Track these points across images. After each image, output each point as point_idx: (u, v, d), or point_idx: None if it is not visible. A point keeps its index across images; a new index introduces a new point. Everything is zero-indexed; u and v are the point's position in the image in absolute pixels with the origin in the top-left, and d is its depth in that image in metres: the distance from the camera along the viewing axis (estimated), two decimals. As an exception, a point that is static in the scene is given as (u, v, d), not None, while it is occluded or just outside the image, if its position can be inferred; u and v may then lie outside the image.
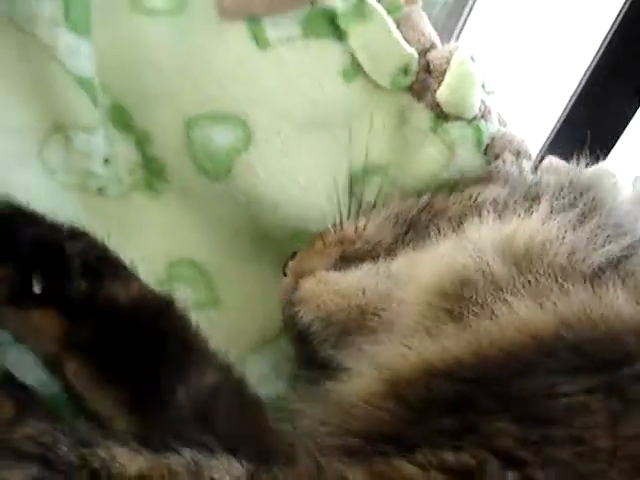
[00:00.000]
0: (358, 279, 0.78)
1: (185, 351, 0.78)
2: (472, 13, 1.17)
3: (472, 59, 0.93)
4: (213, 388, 0.77)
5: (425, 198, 0.87)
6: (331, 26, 0.95)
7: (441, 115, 0.96)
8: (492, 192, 0.83)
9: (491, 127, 0.95)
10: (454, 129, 0.94)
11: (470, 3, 1.16)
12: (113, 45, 0.90)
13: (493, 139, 0.95)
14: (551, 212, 0.74)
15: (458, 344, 0.64)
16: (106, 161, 0.93)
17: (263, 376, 0.94)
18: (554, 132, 1.09)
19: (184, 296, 0.93)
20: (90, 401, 0.76)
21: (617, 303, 0.61)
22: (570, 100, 1.12)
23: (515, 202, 0.79)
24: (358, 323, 0.77)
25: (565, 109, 1.12)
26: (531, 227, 0.71)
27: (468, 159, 0.95)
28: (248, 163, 0.93)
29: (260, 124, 0.93)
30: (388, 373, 0.65)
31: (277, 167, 0.94)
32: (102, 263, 0.78)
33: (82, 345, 0.75)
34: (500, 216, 0.75)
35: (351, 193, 0.95)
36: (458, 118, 0.95)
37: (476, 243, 0.71)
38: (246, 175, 0.94)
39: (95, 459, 0.60)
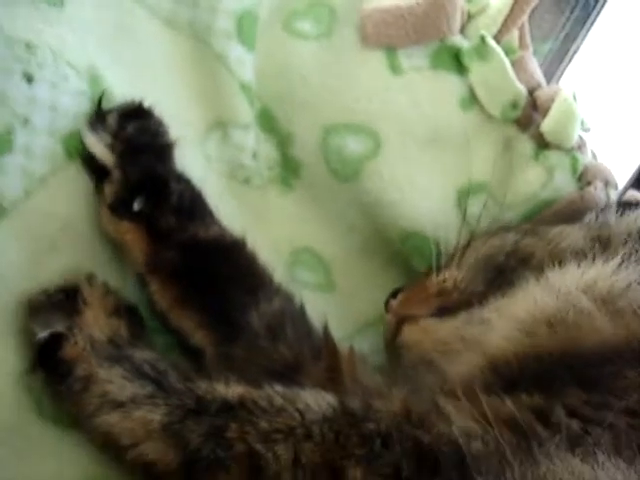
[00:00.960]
0: (456, 328, 0.84)
1: (255, 281, 0.88)
2: (573, 60, 1.31)
3: (574, 97, 1.05)
4: (280, 312, 0.87)
5: (511, 240, 0.93)
6: (455, 61, 1.10)
7: (542, 145, 1.09)
8: (571, 237, 0.89)
9: (585, 158, 1.08)
10: (554, 156, 1.08)
11: (572, 52, 1.31)
12: (267, 58, 1.06)
13: (586, 168, 1.08)
14: (624, 260, 0.77)
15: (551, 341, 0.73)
16: (254, 156, 1.09)
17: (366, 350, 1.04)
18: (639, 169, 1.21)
19: (307, 278, 1.10)
20: (172, 319, 0.86)
21: None
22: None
23: (592, 249, 0.82)
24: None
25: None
26: (610, 273, 0.75)
27: (564, 183, 1.08)
28: (375, 169, 1.07)
29: (389, 137, 1.07)
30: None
31: (399, 173, 1.07)
32: (194, 205, 0.87)
33: (165, 269, 0.84)
34: (579, 264, 0.79)
35: (460, 205, 1.09)
36: (558, 148, 1.08)
37: (561, 287, 0.75)
38: (372, 179, 1.08)
39: (199, 389, 0.71)
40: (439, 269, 0.94)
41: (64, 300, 0.80)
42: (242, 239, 0.90)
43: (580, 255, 0.80)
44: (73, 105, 0.85)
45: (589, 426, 0.60)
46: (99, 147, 0.84)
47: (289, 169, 1.12)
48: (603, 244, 0.83)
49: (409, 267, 1.12)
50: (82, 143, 0.84)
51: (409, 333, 0.90)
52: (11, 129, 0.79)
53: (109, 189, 0.83)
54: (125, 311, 0.84)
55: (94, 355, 0.74)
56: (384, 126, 1.07)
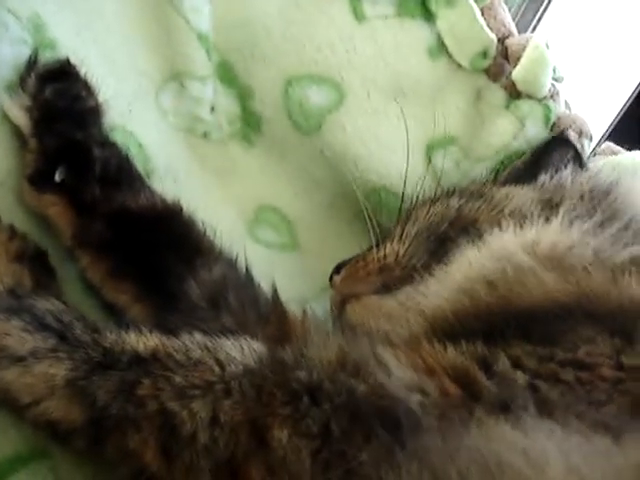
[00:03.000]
0: (399, 303, 0.80)
1: (192, 249, 0.81)
2: (547, 10, 1.26)
3: (547, 45, 1.02)
4: (222, 280, 0.81)
5: (454, 206, 0.89)
6: (422, 8, 1.06)
7: (514, 94, 1.06)
8: (518, 199, 0.86)
9: (558, 107, 1.05)
10: (525, 106, 1.04)
11: (546, 1, 1.26)
12: (227, 8, 1.02)
13: (559, 118, 1.05)
14: (570, 221, 0.75)
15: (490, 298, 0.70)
16: (212, 109, 1.05)
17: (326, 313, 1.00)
18: (615, 121, 1.17)
19: (270, 238, 1.07)
20: (106, 294, 0.80)
21: (632, 288, 0.65)
22: (633, 93, 1.22)
23: (533, 212, 0.80)
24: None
25: (627, 101, 1.22)
26: (552, 234, 0.73)
27: (536, 133, 1.05)
28: (338, 121, 1.04)
29: (352, 88, 1.04)
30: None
31: (363, 126, 1.04)
32: (121, 172, 0.81)
33: (93, 243, 0.79)
34: (521, 225, 0.76)
35: (429, 159, 1.07)
36: (529, 97, 1.05)
37: (498, 247, 0.73)
38: (335, 131, 1.04)
39: (106, 340, 0.66)
40: (382, 242, 0.89)
41: None
42: (176, 204, 0.84)
43: (525, 219, 0.77)
44: (13, 55, 0.80)
45: (536, 380, 0.57)
46: (15, 112, 0.79)
47: (250, 124, 1.09)
48: (554, 208, 0.80)
49: (373, 223, 1.05)
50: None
51: (352, 312, 0.86)
52: None
53: (28, 159, 0.78)
54: (32, 257, 0.77)
55: None
56: (347, 77, 1.04)
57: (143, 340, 0.66)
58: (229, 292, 0.80)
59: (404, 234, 0.88)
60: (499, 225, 0.77)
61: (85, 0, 0.92)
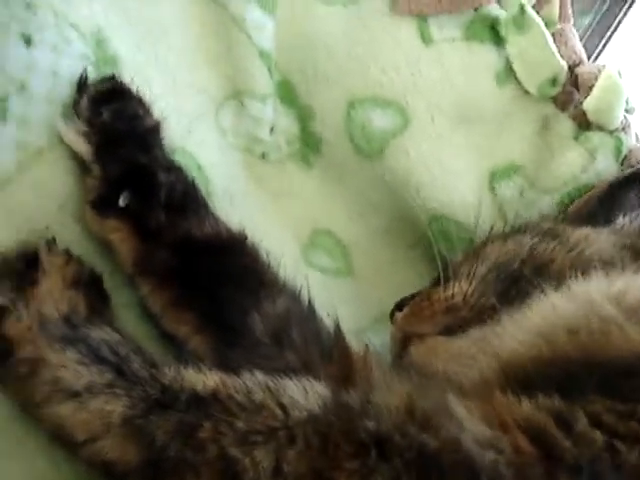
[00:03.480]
0: (467, 346, 0.76)
1: (257, 281, 0.79)
2: (614, 36, 1.22)
3: (620, 74, 0.98)
4: (285, 313, 0.78)
5: (527, 245, 0.85)
6: (490, 32, 1.02)
7: (583, 125, 1.02)
8: (598, 243, 0.81)
9: (629, 140, 1.01)
10: (596, 137, 1.00)
11: (612, 28, 1.22)
12: (291, 26, 0.99)
13: (630, 151, 1.00)
14: None
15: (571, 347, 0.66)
16: (271, 129, 1.02)
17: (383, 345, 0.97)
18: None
19: (324, 263, 1.03)
20: (166, 323, 0.78)
21: None
22: None
23: (617, 259, 0.76)
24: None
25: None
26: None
27: (606, 166, 1.00)
28: (402, 146, 1.01)
29: (417, 112, 1.01)
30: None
31: (427, 151, 1.01)
32: (186, 198, 0.78)
33: (156, 271, 0.76)
34: (606, 273, 0.71)
35: (492, 188, 1.03)
36: (600, 128, 1.01)
37: (584, 295, 0.68)
38: (398, 156, 1.01)
39: (164, 377, 0.63)
40: (447, 279, 0.85)
41: (22, 267, 0.72)
42: (242, 233, 0.81)
43: (608, 265, 0.72)
44: (75, 71, 0.78)
45: (615, 439, 0.53)
46: (72, 138, 0.76)
47: (309, 145, 1.06)
48: (637, 254, 0.76)
49: (433, 252, 1.00)
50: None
51: (416, 352, 0.81)
52: (5, 96, 0.72)
53: (90, 184, 0.75)
54: (87, 283, 0.75)
55: (43, 335, 0.66)
56: (413, 101, 1.01)
57: (203, 378, 0.63)
58: (292, 327, 0.77)
59: (472, 273, 0.83)
60: (582, 271, 0.72)
61: (146, 15, 0.90)
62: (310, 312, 0.81)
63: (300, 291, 0.81)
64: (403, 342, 0.83)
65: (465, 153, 1.02)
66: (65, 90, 0.77)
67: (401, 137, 1.01)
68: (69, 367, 0.63)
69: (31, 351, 0.64)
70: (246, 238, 0.80)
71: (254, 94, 0.99)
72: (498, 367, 0.67)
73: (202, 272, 0.76)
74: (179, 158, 0.84)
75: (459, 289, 0.82)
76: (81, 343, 0.65)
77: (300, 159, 1.06)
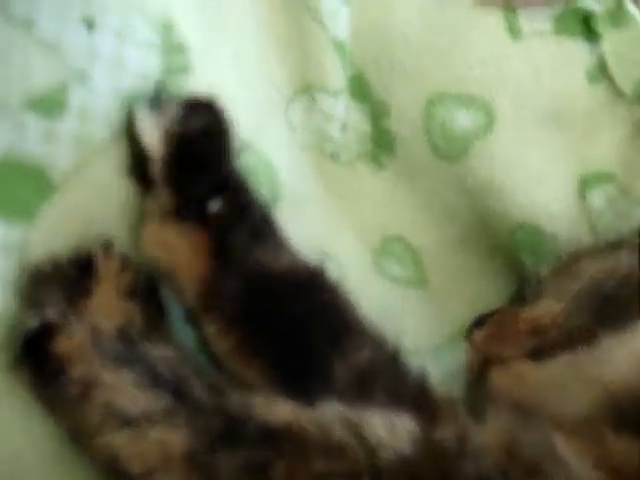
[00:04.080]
0: (558, 373, 0.70)
1: (339, 325, 0.72)
2: None
3: None
4: (371, 364, 0.71)
5: (626, 262, 0.77)
6: (583, 27, 0.94)
7: (682, 130, 0.90)
8: None
9: None
10: (697, 144, 0.88)
11: None
12: (365, 13, 0.92)
13: None
14: None
15: None
16: (343, 127, 0.95)
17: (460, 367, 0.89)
18: None
19: (395, 271, 0.96)
20: (231, 365, 0.70)
21: None
22: None
23: None
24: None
25: None
26: None
27: None
28: (487, 147, 0.93)
29: (503, 111, 0.93)
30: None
31: (513, 154, 0.93)
32: (265, 225, 0.72)
33: (225, 306, 0.69)
34: None
35: (581, 196, 0.95)
36: None
37: None
38: (482, 158, 0.93)
39: (230, 405, 0.56)
40: (533, 296, 0.78)
41: (74, 274, 0.65)
42: (320, 269, 0.72)
43: None
44: (141, 61, 0.71)
45: None
46: (149, 128, 0.68)
47: (381, 144, 0.98)
48: None
49: (514, 263, 0.98)
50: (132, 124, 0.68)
51: (498, 378, 0.74)
52: (64, 86, 0.66)
53: (154, 205, 0.68)
54: (144, 293, 0.69)
55: (97, 352, 0.59)
56: (499, 99, 0.93)
57: (274, 410, 0.56)
58: (378, 379, 0.69)
59: (562, 290, 0.75)
60: None
61: None
62: (395, 358, 0.73)
63: (384, 336, 0.73)
64: (482, 365, 0.76)
65: (552, 157, 0.95)
66: (130, 82, 0.70)
67: (485, 138, 0.93)
68: (124, 389, 0.56)
69: (84, 371, 0.58)
70: (325, 274, 0.72)
71: (326, 88, 0.92)
72: (606, 399, 0.62)
73: (277, 311, 0.68)
74: (251, 158, 0.79)
75: (547, 308, 0.75)
76: (138, 362, 0.59)
77: (371, 160, 0.99)
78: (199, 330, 0.70)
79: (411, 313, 0.93)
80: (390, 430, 0.55)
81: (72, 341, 0.60)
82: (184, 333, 0.74)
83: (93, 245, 0.68)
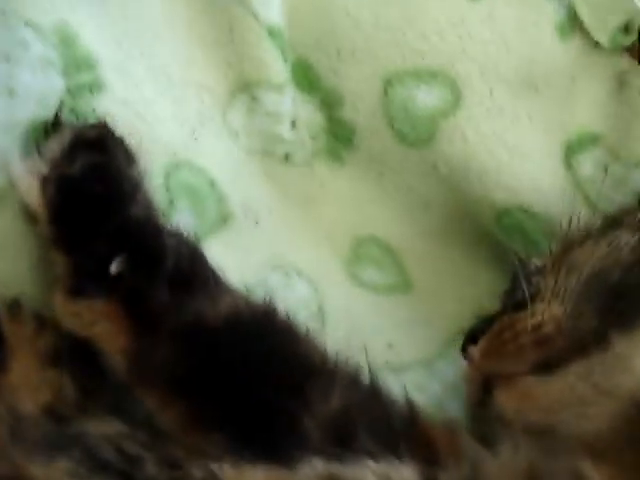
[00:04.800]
0: (573, 386, 0.61)
1: (300, 370, 0.61)
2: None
3: None
4: (344, 408, 0.60)
5: (628, 244, 0.69)
6: (547, -24, 0.81)
7: (669, 79, 0.81)
8: None
9: None
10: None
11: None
12: (304, -6, 0.79)
13: None
14: None
15: None
16: (293, 124, 0.85)
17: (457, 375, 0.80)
18: None
19: (375, 278, 0.87)
20: (187, 440, 0.59)
21: None
22: None
23: None
24: None
25: None
26: None
27: None
28: (456, 126, 0.83)
29: (470, 83, 0.83)
30: None
31: (487, 130, 0.83)
32: (194, 267, 0.60)
33: (161, 376, 0.58)
34: None
35: (568, 165, 0.85)
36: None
37: None
38: (453, 140, 0.83)
39: None
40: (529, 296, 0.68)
41: None
42: (267, 305, 0.61)
43: None
44: (36, 83, 0.61)
45: None
46: (27, 182, 0.57)
47: (339, 137, 0.88)
48: None
49: (502, 252, 0.88)
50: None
51: (505, 399, 0.64)
52: None
53: (57, 260, 0.58)
54: (71, 354, 0.59)
55: (18, 443, 0.50)
56: (463, 70, 0.83)
57: (247, 478, 0.47)
58: (356, 423, 0.58)
59: (561, 289, 0.66)
60: None
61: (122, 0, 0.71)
62: (373, 394, 0.62)
63: (355, 370, 0.63)
64: (484, 386, 0.66)
65: (532, 127, 0.85)
66: (26, 111, 0.59)
67: (454, 116, 0.83)
68: None
69: (5, 469, 0.49)
70: (274, 310, 0.61)
71: (268, 84, 0.81)
72: (630, 410, 0.55)
73: (225, 370, 0.57)
74: (185, 176, 0.71)
75: (548, 314, 0.65)
76: (74, 446, 0.49)
77: (329, 155, 0.89)
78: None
79: (398, 324, 0.84)
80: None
81: None
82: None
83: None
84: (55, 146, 0.57)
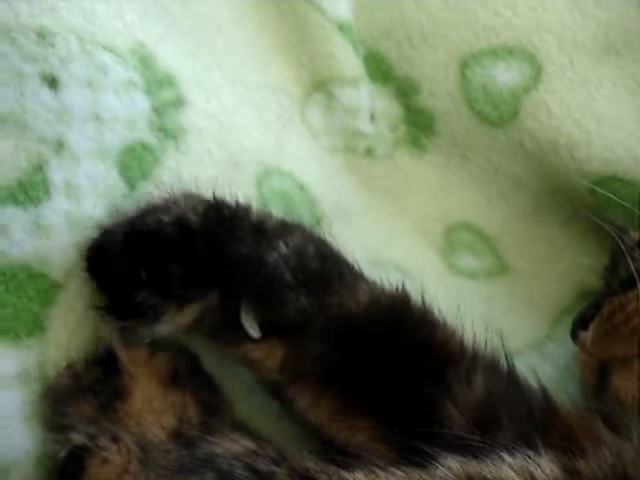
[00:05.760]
0: None
1: (442, 357, 0.60)
2: None
3: None
4: (487, 395, 0.59)
5: None
6: None
7: None
8: None
9: None
10: None
11: None
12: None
13: None
14: None
15: None
16: (372, 117, 0.83)
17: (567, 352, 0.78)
18: None
19: (471, 265, 0.85)
20: (332, 432, 0.60)
21: None
22: None
23: None
24: None
25: None
26: None
27: None
28: (539, 101, 0.81)
29: (549, 55, 0.80)
30: None
31: (572, 101, 0.80)
32: (324, 263, 0.60)
33: (314, 372, 0.59)
34: None
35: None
36: None
37: None
38: (537, 115, 0.81)
39: None
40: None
41: (99, 377, 0.56)
42: (402, 292, 0.61)
43: None
44: (124, 106, 0.60)
45: None
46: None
47: (418, 125, 0.87)
48: None
49: (599, 223, 0.81)
50: None
51: (623, 383, 0.62)
52: (41, 163, 0.55)
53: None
54: (188, 373, 0.59)
55: (150, 468, 0.50)
56: (540, 42, 0.80)
57: None
58: (499, 410, 0.57)
59: None
60: None
61: (193, 12, 0.72)
62: (512, 380, 0.61)
63: (493, 354, 0.62)
64: (600, 370, 0.64)
65: (617, 93, 0.81)
66: (117, 136, 0.59)
67: (536, 90, 0.81)
68: None
69: None
70: (409, 296, 0.60)
71: (342, 79, 0.81)
72: None
73: (372, 358, 0.56)
74: (277, 183, 0.71)
75: None
76: (204, 467, 0.49)
77: (410, 145, 0.87)
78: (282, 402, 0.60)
79: (502, 308, 0.81)
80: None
81: (111, 465, 0.51)
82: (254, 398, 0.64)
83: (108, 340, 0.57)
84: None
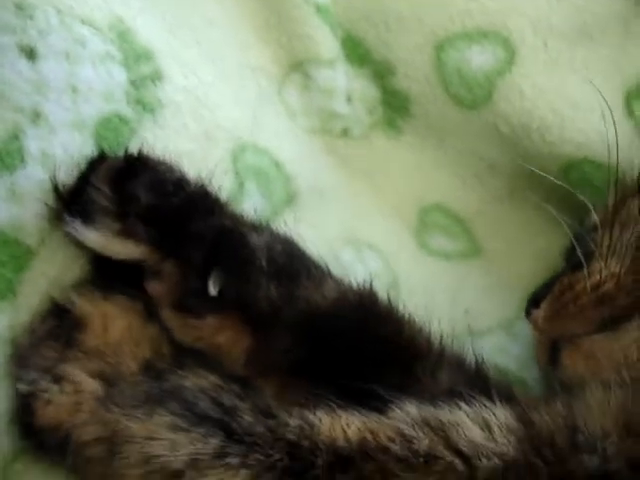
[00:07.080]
0: (636, 340, 0.61)
1: (409, 353, 0.61)
2: None
3: None
4: (451, 389, 0.60)
5: None
6: None
7: None
8: None
9: None
10: None
11: None
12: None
13: None
14: None
15: None
16: (348, 99, 0.85)
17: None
18: None
19: (445, 245, 0.86)
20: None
21: None
22: None
23: None
24: None
25: None
26: None
27: None
28: (512, 84, 0.82)
29: (524, 39, 0.81)
30: None
31: (545, 85, 0.81)
32: (292, 258, 0.60)
33: (279, 365, 0.59)
34: None
35: (630, 112, 0.82)
36: None
37: None
38: (510, 98, 0.82)
39: (288, 430, 0.47)
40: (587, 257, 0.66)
41: (56, 323, 0.56)
42: (368, 287, 0.61)
43: None
44: (101, 78, 0.61)
45: None
46: (106, 241, 0.56)
47: (394, 107, 0.88)
48: None
49: (572, 203, 0.82)
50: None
51: (570, 360, 0.65)
52: (17, 132, 0.56)
53: (160, 289, 0.57)
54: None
55: (114, 403, 0.50)
56: (514, 26, 0.81)
57: (341, 426, 0.47)
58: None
59: (617, 245, 0.65)
60: None
61: None
62: (478, 377, 0.63)
63: (459, 349, 0.63)
64: (552, 347, 0.66)
65: (590, 77, 0.81)
66: (92, 107, 0.60)
67: (510, 73, 0.82)
68: (161, 436, 0.47)
69: (96, 431, 0.50)
70: (374, 292, 0.61)
71: (319, 60, 0.82)
72: None
73: (339, 353, 0.58)
74: (252, 159, 0.71)
75: (607, 272, 0.64)
76: (172, 399, 0.50)
77: (387, 127, 0.88)
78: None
79: (473, 289, 0.82)
80: (484, 429, 0.47)
81: (54, 405, 0.52)
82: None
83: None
84: (105, 197, 0.56)
